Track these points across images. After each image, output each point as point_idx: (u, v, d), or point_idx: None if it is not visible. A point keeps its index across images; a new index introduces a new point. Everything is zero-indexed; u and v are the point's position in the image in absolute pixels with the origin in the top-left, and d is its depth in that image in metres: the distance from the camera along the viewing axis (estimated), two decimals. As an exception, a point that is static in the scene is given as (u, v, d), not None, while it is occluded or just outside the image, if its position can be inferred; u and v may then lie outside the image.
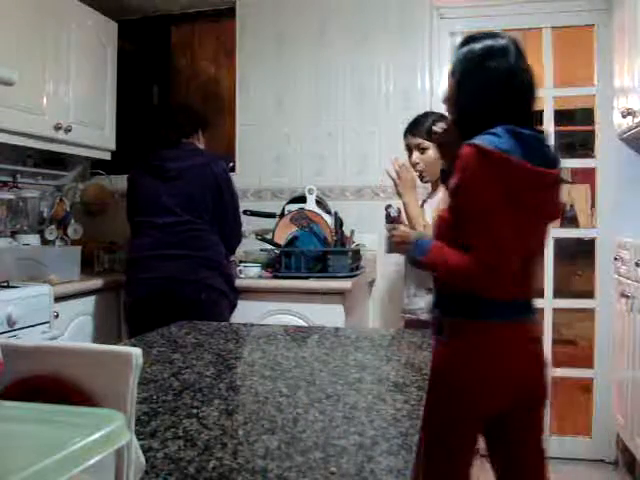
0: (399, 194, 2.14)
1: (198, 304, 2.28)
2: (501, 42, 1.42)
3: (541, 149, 1.41)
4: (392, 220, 1.96)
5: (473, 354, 1.39)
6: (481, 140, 1.34)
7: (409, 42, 3.06)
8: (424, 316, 2.08)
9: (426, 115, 2.26)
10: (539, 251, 1.52)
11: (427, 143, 2.17)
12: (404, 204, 2.11)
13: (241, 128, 3.27)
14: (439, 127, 1.66)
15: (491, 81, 1.41)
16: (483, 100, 1.42)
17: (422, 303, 2.16)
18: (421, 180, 2.26)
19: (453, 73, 1.48)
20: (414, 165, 2.23)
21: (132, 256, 2.44)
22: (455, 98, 1.48)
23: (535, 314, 1.51)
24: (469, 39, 1.47)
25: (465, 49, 1.46)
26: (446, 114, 1.65)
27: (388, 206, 2.00)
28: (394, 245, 1.64)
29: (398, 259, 2.53)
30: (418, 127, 2.21)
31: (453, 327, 1.45)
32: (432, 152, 2.15)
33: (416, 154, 2.23)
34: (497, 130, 1.35)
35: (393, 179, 2.13)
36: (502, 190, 1.34)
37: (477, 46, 1.43)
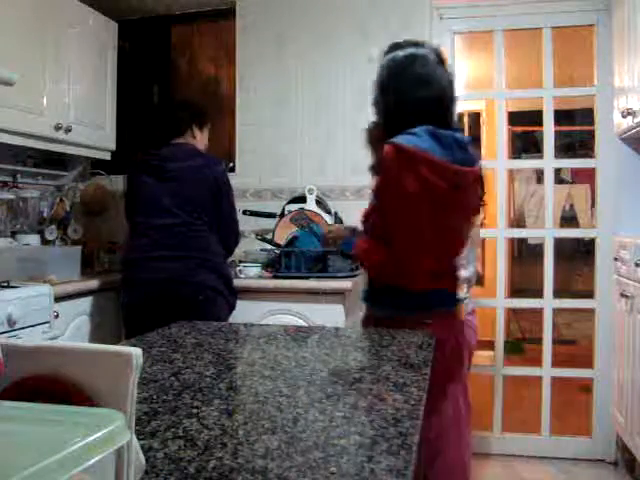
0: None
1: (196, 305, 2.27)
2: (422, 51, 1.53)
3: (460, 149, 1.48)
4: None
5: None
6: (400, 139, 1.41)
7: (409, 42, 3.05)
8: None
9: None
10: (461, 246, 1.59)
11: None
12: None
13: (241, 128, 3.27)
14: (369, 125, 1.73)
15: (411, 85, 1.51)
16: (404, 103, 1.52)
17: None
18: None
19: (378, 78, 1.57)
20: None
21: (130, 257, 2.42)
22: (380, 101, 1.58)
23: (456, 307, 1.57)
24: (394, 47, 1.57)
25: (390, 56, 1.56)
26: None
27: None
28: (328, 240, 1.81)
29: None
30: None
31: (378, 319, 1.54)
32: None
33: None
34: (417, 130, 1.43)
35: None
36: (420, 188, 1.40)
37: (400, 53, 1.54)
